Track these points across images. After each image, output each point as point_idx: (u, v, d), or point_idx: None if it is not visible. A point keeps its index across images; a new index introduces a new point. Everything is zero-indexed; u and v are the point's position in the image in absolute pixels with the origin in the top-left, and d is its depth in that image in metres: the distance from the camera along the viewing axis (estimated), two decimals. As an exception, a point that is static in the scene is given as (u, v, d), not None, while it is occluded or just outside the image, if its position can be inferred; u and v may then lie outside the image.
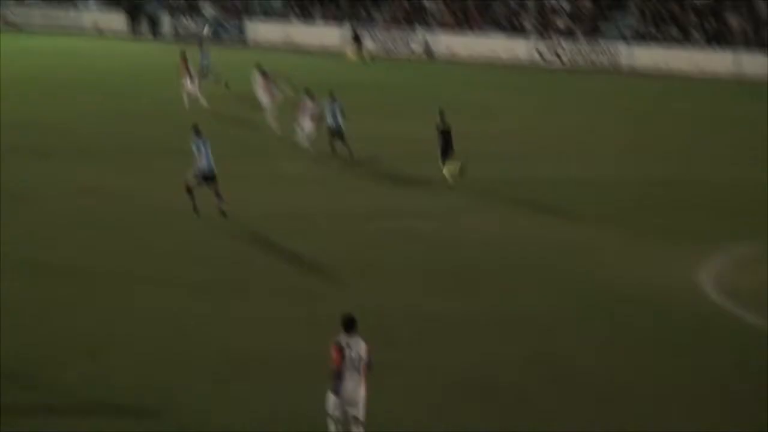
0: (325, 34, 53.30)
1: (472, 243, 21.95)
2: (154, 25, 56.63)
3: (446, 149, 26.04)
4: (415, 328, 17.24)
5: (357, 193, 25.77)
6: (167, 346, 16.28)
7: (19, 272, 19.38)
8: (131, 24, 56.75)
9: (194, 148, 22.63)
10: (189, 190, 22.63)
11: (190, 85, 35.35)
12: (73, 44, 52.60)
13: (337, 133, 28.68)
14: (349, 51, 50.95)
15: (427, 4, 54.75)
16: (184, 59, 35.83)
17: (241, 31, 55.46)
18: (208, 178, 22.45)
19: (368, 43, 52.79)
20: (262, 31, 55.11)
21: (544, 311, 18.09)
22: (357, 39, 51.27)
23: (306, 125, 29.24)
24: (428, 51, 52.56)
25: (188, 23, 56.48)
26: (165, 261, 20.35)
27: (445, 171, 26.12)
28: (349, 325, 12.76)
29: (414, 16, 54.46)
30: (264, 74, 32.89)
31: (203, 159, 22.40)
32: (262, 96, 32.55)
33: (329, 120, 28.72)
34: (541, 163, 29.46)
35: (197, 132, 22.77)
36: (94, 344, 16.27)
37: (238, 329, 16.99)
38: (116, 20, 56.98)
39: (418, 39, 52.91)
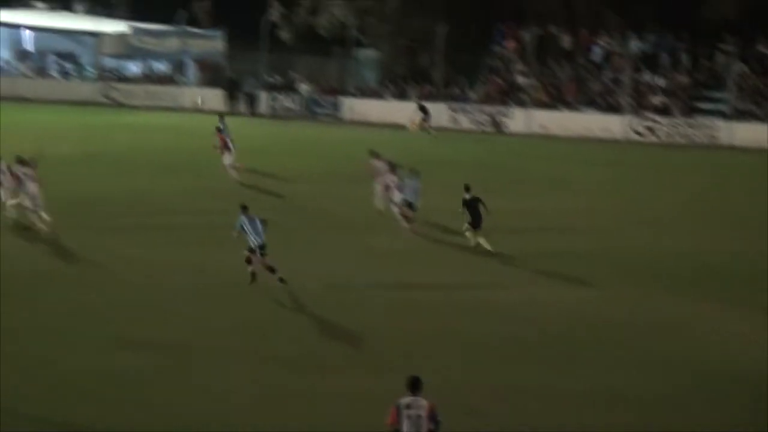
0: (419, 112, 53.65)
1: (550, 315, 21.67)
2: (252, 102, 57.59)
3: (475, 220, 26.61)
4: (499, 400, 16.97)
5: (437, 266, 25.67)
6: (260, 421, 16.21)
7: (114, 348, 19.49)
8: (229, 102, 57.77)
9: (241, 225, 22.97)
10: (271, 269, 22.91)
11: (228, 158, 35.88)
12: (172, 121, 53.64)
13: (409, 207, 28.86)
14: (411, 123, 51.16)
15: (521, 81, 54.87)
16: (221, 133, 36.47)
17: (336, 108, 56.11)
18: (260, 249, 22.83)
19: (463, 120, 53.13)
20: (358, 108, 55.65)
21: (633, 386, 17.63)
22: (424, 111, 51.53)
23: (397, 199, 29.30)
24: (496, 125, 52.57)
25: (285, 101, 57.36)
26: (255, 335, 20.37)
27: (468, 234, 26.80)
28: (414, 385, 12.96)
29: (509, 93, 54.61)
30: (378, 157, 31.44)
31: (254, 234, 22.83)
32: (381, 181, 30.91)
33: (406, 193, 28.93)
34: (630, 235, 29.27)
35: (245, 209, 23.25)
36: (191, 419, 16.26)
37: (327, 404, 16.89)
38: (215, 98, 58.10)
39: (487, 114, 53.02)
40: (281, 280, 22.87)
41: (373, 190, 31.29)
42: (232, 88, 58.18)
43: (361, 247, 27.35)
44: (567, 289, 23.86)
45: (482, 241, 26.60)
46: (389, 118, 53.38)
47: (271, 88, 58.27)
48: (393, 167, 29.82)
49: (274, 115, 56.16)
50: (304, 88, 58.12)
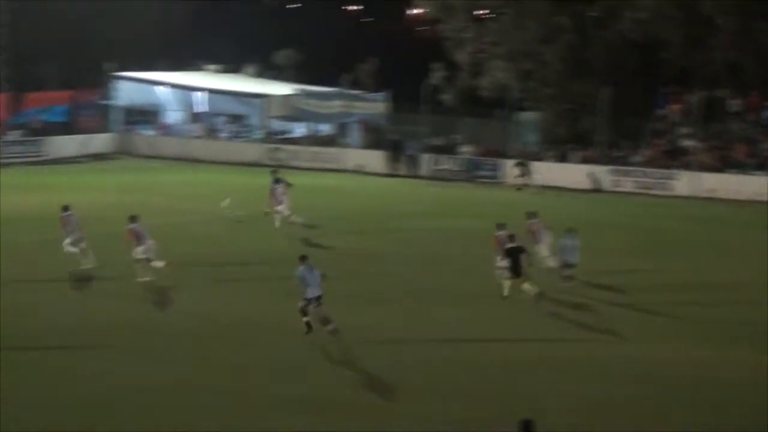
0: (578, 174, 53.19)
1: (677, 375, 21.59)
2: (414, 164, 58.00)
3: (515, 267, 27.32)
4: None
5: (585, 323, 25.46)
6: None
7: (269, 408, 19.84)
8: (391, 163, 58.36)
9: (300, 275, 23.97)
10: (325, 321, 23.85)
11: (284, 210, 38.22)
12: (334, 182, 54.46)
13: (568, 267, 29.00)
14: (513, 178, 51.90)
15: (686, 144, 53.80)
16: (278, 184, 39.09)
17: (496, 170, 56.03)
18: (317, 300, 23.86)
19: (626, 184, 52.43)
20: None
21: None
22: (522, 167, 51.87)
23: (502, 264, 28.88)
24: (596, 183, 52.06)
25: (446, 163, 57.59)
26: (385, 392, 20.58)
27: (504, 283, 27.54)
28: (527, 428, 13.57)
29: (674, 156, 53.60)
30: (535, 217, 31.13)
31: (313, 285, 23.82)
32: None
33: (565, 255, 29.04)
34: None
35: (303, 259, 24.40)
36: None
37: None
38: (377, 159, 58.78)
39: (588, 173, 52.84)
40: (333, 331, 23.60)
41: (536, 250, 31.17)
42: (394, 150, 58.77)
43: (477, 315, 27.18)
44: (695, 350, 23.46)
45: (526, 286, 27.28)
46: (550, 182, 52.99)
47: (433, 150, 58.64)
48: (512, 236, 29.07)
49: (435, 177, 56.43)
50: (465, 150, 58.28)
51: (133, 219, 29.89)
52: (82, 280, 29.75)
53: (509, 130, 58.96)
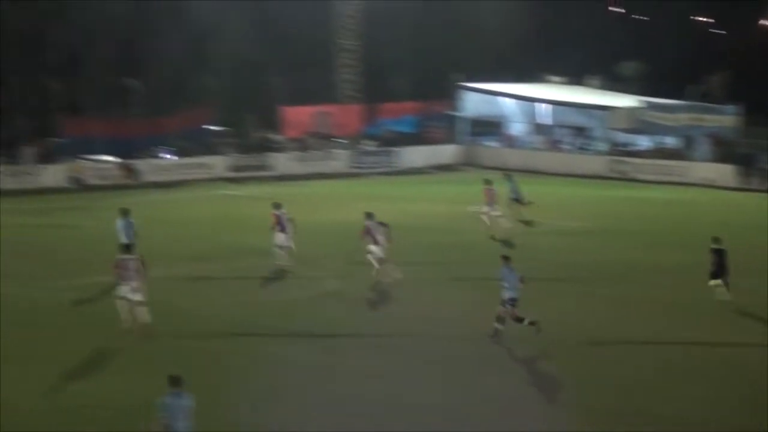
0: None
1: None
2: (767, 178, 55.63)
3: (720, 269, 27.86)
4: None
5: None
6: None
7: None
8: (742, 177, 56.29)
9: (502, 275, 24.48)
10: (518, 320, 24.33)
11: (492, 211, 38.95)
12: (680, 196, 53.23)
13: None
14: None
15: None
16: (490, 188, 39.44)
17: None
18: (513, 301, 24.41)
19: None
20: None
21: None
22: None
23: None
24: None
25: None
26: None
27: (712, 284, 27.94)
28: None
29: None
30: None
31: (511, 287, 24.38)
32: None
33: None
34: None
35: (506, 259, 24.74)
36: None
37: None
38: (726, 173, 56.88)
39: None
40: (531, 323, 24.26)
41: None
42: (745, 164, 56.62)
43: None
44: None
45: (722, 290, 27.72)
46: None
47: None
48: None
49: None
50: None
51: (368, 216, 31.10)
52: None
53: None
